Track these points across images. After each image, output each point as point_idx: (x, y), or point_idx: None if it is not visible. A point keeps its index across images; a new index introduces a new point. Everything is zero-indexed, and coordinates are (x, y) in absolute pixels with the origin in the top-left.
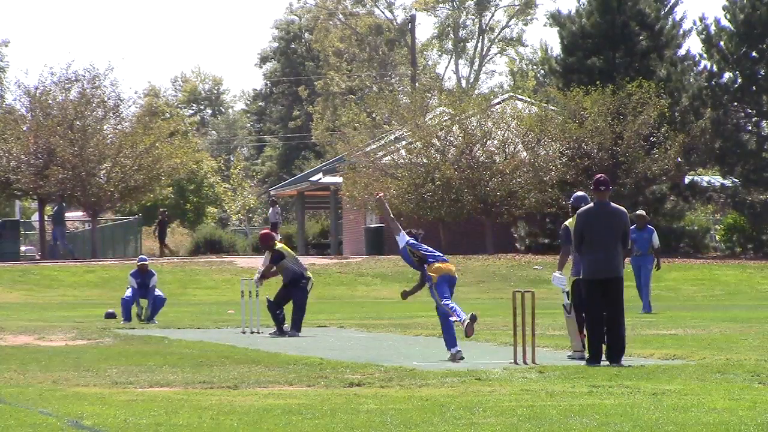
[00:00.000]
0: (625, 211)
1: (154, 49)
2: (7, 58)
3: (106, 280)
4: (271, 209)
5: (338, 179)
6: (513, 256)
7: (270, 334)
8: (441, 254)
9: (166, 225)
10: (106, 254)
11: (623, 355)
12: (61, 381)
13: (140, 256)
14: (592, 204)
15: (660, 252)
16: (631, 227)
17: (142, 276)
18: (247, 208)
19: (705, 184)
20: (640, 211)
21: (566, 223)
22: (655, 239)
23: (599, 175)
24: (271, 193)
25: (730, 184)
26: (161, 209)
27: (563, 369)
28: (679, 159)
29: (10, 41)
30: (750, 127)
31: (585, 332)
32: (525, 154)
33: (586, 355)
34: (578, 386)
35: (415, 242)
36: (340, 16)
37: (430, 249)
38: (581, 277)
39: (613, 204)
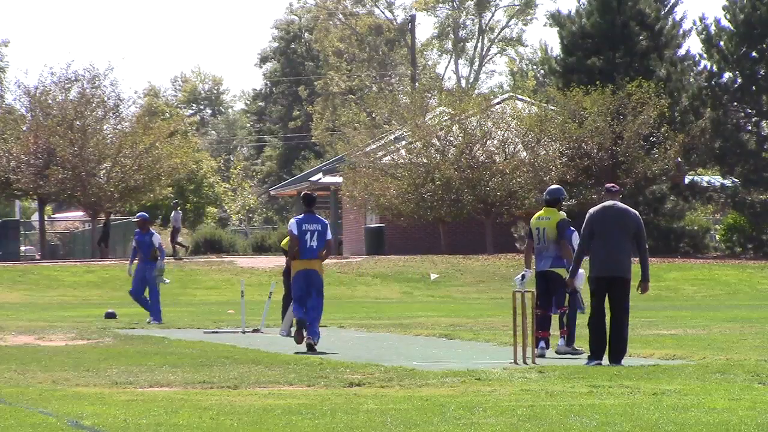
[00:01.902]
0: (636, 212)
1: (154, 49)
2: (7, 58)
3: (106, 280)
4: (173, 213)
5: (338, 179)
6: (513, 256)
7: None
8: (311, 249)
9: (109, 228)
10: (106, 254)
11: (624, 356)
12: (61, 381)
13: (139, 213)
14: (603, 204)
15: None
16: None
17: (142, 234)
18: (247, 208)
19: (705, 184)
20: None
21: (564, 217)
22: (575, 239)
23: (610, 183)
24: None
25: (730, 184)
26: (107, 212)
27: (563, 369)
28: (679, 159)
29: (10, 41)
30: (750, 127)
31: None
32: (525, 154)
33: None
34: (578, 386)
35: (302, 222)
36: (340, 16)
37: (309, 240)
38: (589, 275)
39: (623, 205)
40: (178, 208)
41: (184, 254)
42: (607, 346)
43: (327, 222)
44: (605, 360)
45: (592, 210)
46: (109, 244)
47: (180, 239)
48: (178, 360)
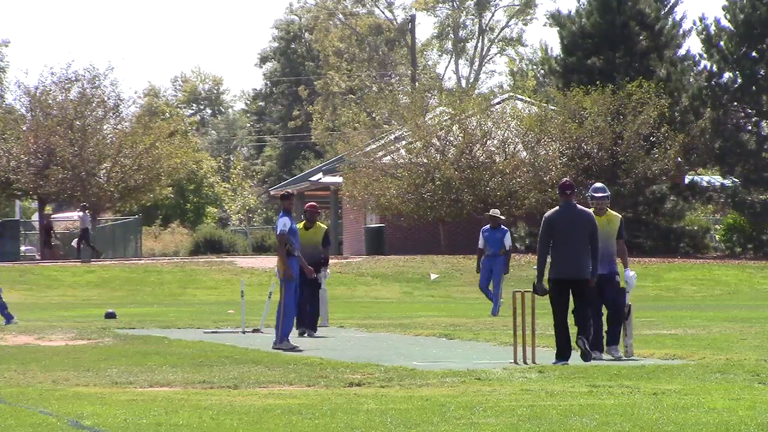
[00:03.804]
0: (591, 213)
1: (154, 49)
2: (7, 58)
3: (106, 280)
4: (81, 214)
5: (338, 179)
6: (513, 256)
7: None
8: None
9: (51, 228)
10: (106, 254)
11: (590, 335)
12: (61, 381)
13: None
14: (558, 207)
15: (510, 253)
16: (485, 227)
17: None
18: (247, 208)
19: (705, 184)
20: (494, 211)
21: None
22: (507, 240)
23: (565, 180)
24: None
25: (730, 184)
26: (47, 213)
27: (563, 369)
28: (679, 159)
29: (10, 41)
30: (750, 127)
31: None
32: (525, 154)
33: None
34: (578, 386)
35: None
36: (340, 16)
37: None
38: (551, 277)
39: (579, 206)
40: (87, 211)
41: (91, 256)
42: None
43: (280, 217)
44: (571, 361)
45: (548, 213)
46: (52, 245)
47: (91, 243)
48: (178, 360)
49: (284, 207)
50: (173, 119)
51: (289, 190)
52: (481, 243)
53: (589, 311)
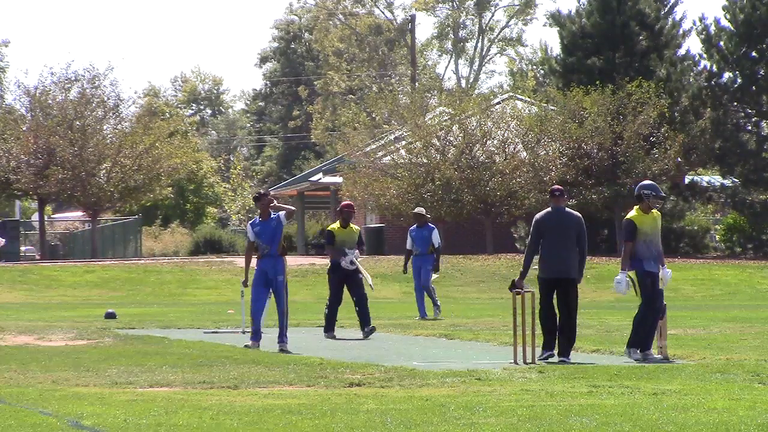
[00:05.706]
0: (579, 215)
1: (154, 49)
2: (7, 58)
3: (106, 280)
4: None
5: (338, 179)
6: (513, 256)
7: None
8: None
9: None
10: (106, 254)
11: (572, 349)
12: (61, 381)
13: None
14: (549, 209)
15: (440, 252)
16: (412, 227)
17: None
18: (247, 208)
19: (705, 184)
20: (419, 209)
21: (628, 216)
22: (435, 238)
23: (555, 186)
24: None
25: (730, 184)
26: None
27: (563, 369)
28: (679, 159)
29: (10, 41)
30: (750, 127)
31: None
32: (525, 154)
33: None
34: (578, 386)
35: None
36: (340, 16)
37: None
38: (540, 276)
39: (568, 209)
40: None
41: None
42: (558, 342)
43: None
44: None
45: (538, 215)
46: None
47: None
48: (178, 360)
49: (258, 209)
50: (173, 119)
51: (261, 191)
52: (408, 243)
53: (574, 318)
